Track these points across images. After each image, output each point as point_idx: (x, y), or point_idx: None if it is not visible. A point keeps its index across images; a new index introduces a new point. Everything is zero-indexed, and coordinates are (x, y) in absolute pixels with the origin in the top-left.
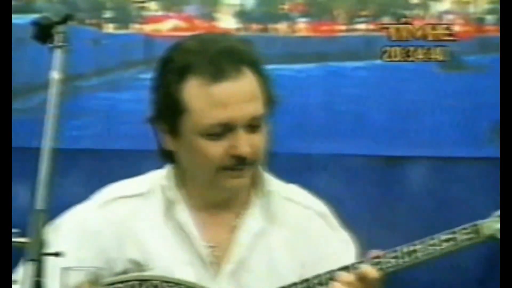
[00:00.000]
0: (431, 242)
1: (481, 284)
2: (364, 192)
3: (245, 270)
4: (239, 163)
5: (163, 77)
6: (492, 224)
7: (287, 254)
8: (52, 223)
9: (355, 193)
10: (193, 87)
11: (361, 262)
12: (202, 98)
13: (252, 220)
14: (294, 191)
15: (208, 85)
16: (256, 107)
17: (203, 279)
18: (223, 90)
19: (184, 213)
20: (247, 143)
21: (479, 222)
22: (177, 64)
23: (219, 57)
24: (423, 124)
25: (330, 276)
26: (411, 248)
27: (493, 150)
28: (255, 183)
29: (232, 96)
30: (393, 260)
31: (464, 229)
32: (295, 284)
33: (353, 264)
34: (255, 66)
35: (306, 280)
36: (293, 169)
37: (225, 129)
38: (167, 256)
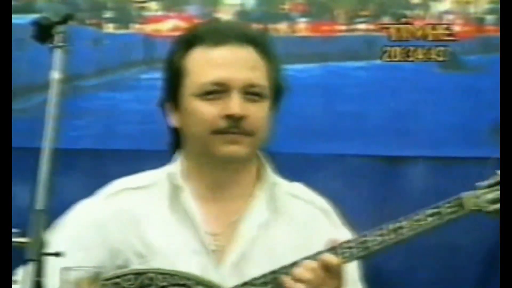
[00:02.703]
0: (416, 218)
1: (481, 284)
2: (364, 192)
3: (248, 260)
4: (232, 125)
5: (172, 52)
6: (476, 197)
7: (289, 246)
8: (56, 223)
9: (355, 193)
10: (196, 54)
11: (322, 252)
12: (202, 61)
13: (256, 212)
14: (297, 187)
15: (209, 49)
16: (255, 75)
17: (206, 267)
18: (222, 53)
19: (189, 200)
20: (240, 106)
21: (462, 194)
22: (186, 36)
23: (227, 30)
24: (423, 124)
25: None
26: (397, 224)
27: (493, 150)
28: (260, 176)
29: (231, 59)
30: (379, 238)
31: (448, 202)
32: (264, 275)
33: (315, 253)
34: (265, 53)
35: (273, 272)
36: (293, 169)
37: (220, 90)
38: (171, 245)
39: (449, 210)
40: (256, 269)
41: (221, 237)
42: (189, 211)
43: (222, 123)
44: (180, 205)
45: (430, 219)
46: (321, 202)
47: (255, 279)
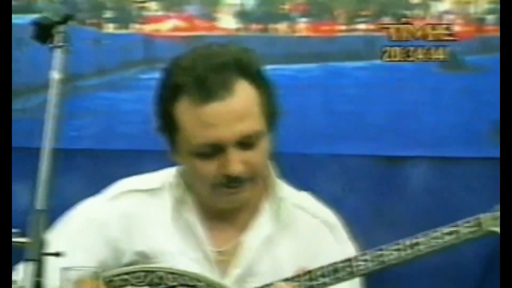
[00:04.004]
0: (434, 235)
1: (481, 284)
2: (364, 192)
3: (251, 275)
4: (231, 181)
5: (161, 92)
6: (494, 218)
7: (293, 260)
8: (56, 223)
9: (355, 193)
10: (184, 107)
11: (295, 276)
12: (191, 118)
13: (261, 227)
14: (305, 199)
15: (196, 106)
16: (247, 125)
17: None
18: (210, 111)
19: (191, 214)
20: (239, 162)
21: (481, 215)
22: (171, 82)
23: (209, 75)
24: (423, 124)
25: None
26: (414, 241)
27: (493, 150)
28: (266, 189)
29: (220, 117)
30: (395, 253)
31: (467, 222)
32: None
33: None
34: (254, 79)
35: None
36: (293, 169)
37: (215, 149)
38: (175, 252)
39: (467, 229)
40: (260, 284)
41: (226, 251)
42: (192, 226)
43: (222, 180)
44: (183, 219)
45: (447, 237)
46: (328, 215)
47: None
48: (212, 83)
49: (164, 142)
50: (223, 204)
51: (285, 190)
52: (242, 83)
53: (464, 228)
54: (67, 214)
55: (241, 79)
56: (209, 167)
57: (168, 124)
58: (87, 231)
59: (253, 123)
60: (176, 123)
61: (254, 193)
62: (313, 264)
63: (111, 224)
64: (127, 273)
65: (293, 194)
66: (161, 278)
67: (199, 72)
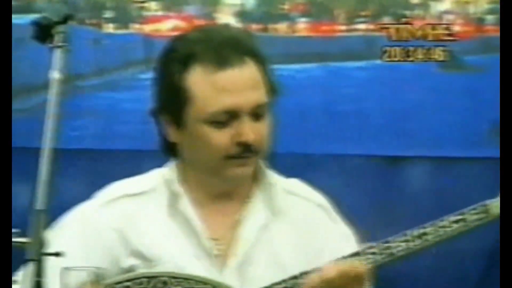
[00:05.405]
0: (441, 224)
1: (481, 283)
2: (364, 192)
3: (250, 263)
4: (245, 150)
5: (166, 67)
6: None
7: (290, 246)
8: (56, 223)
9: (355, 193)
10: (198, 75)
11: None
12: (207, 85)
13: (255, 214)
14: (294, 184)
15: (212, 73)
16: (260, 95)
17: (209, 272)
18: (228, 77)
19: (188, 207)
20: (252, 131)
21: (488, 201)
22: (181, 53)
23: (223, 45)
24: (423, 124)
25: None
26: (421, 231)
27: (493, 150)
28: (257, 176)
29: (237, 83)
30: (403, 244)
31: (473, 209)
32: (284, 281)
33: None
34: (257, 56)
35: (295, 277)
36: (293, 169)
37: (230, 117)
38: (173, 250)
39: (474, 216)
40: (259, 271)
41: (222, 241)
42: (189, 218)
43: (235, 149)
44: (179, 212)
45: (455, 225)
46: (319, 198)
47: (275, 284)
48: (227, 52)
49: (161, 124)
50: (230, 178)
51: (274, 177)
52: (249, 58)
53: (471, 215)
54: (60, 222)
55: (246, 54)
56: (222, 136)
57: (176, 97)
58: (82, 240)
59: (263, 94)
60: (187, 93)
61: (251, 171)
62: (311, 247)
63: (106, 232)
64: (129, 280)
65: (282, 181)
66: (165, 283)
67: (214, 42)
